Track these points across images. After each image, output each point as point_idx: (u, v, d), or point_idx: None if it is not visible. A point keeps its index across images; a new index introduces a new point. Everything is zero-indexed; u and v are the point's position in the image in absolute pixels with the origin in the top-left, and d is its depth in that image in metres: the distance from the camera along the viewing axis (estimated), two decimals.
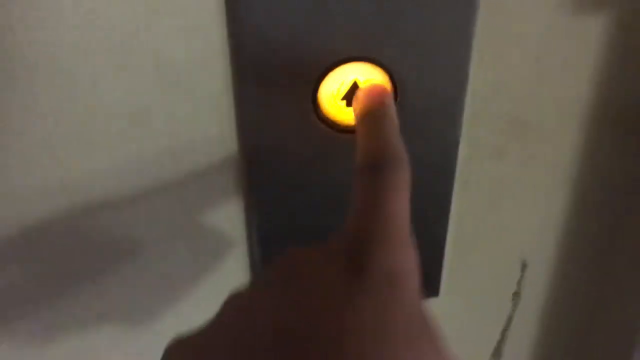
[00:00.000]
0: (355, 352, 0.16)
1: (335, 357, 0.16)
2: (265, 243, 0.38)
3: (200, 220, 0.39)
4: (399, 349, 0.17)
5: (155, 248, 0.39)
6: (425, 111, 0.35)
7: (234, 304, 0.21)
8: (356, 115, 0.29)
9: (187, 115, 0.35)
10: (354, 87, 0.32)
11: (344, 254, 0.20)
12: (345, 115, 0.34)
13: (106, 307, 0.41)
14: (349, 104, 0.33)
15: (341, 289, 0.19)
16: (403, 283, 0.19)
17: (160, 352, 0.22)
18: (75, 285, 0.39)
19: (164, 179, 0.36)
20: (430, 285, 0.42)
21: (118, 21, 0.31)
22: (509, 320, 0.47)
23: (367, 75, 0.33)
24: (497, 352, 0.49)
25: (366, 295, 0.18)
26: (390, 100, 0.29)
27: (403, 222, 0.21)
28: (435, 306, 0.45)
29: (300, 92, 0.33)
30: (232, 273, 0.41)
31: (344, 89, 0.33)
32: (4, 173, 0.34)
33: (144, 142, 0.35)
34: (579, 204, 0.42)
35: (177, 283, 0.40)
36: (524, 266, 0.45)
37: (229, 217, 0.39)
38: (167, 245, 0.39)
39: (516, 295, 0.46)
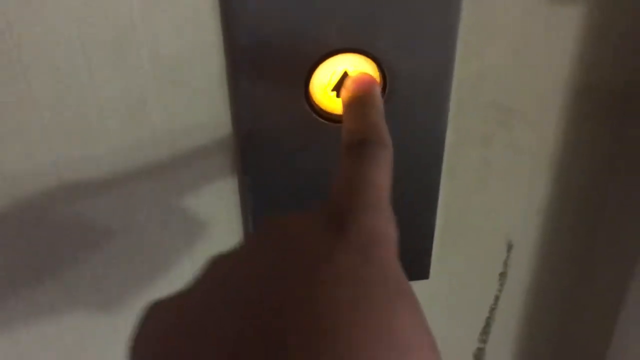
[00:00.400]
0: (330, 305, 0.17)
1: (310, 309, 0.17)
2: None
3: (195, 208, 0.39)
4: (374, 303, 0.17)
5: (150, 236, 0.40)
6: (414, 100, 0.36)
7: (214, 268, 0.21)
8: (344, 102, 0.30)
9: (182, 107, 0.35)
10: (344, 77, 0.33)
11: (326, 217, 0.21)
12: (336, 105, 0.35)
13: (101, 291, 0.41)
14: (339, 95, 0.34)
15: (321, 247, 0.19)
16: (381, 245, 0.20)
17: None
18: (71, 270, 0.40)
19: (160, 171, 0.37)
20: (421, 267, 0.44)
21: (113, 14, 0.32)
22: (496, 299, 0.49)
23: (357, 66, 0.34)
24: (485, 330, 0.51)
25: (345, 253, 0.19)
26: (377, 89, 0.30)
27: (384, 193, 0.22)
28: (425, 288, 0.46)
29: (293, 83, 0.34)
30: None
31: (335, 80, 0.34)
32: (1, 165, 0.35)
33: (140, 134, 0.36)
34: (562, 187, 0.43)
35: (172, 268, 0.41)
36: (509, 247, 0.46)
37: (224, 205, 0.40)
38: (161, 233, 0.40)
39: (502, 275, 0.48)
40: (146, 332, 0.20)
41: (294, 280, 0.18)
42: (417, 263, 0.43)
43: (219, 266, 0.21)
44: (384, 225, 0.21)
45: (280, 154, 0.37)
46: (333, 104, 0.35)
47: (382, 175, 0.23)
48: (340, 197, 0.22)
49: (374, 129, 0.25)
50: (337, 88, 0.34)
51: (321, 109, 0.35)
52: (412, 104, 0.36)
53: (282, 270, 0.19)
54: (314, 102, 0.35)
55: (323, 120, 0.35)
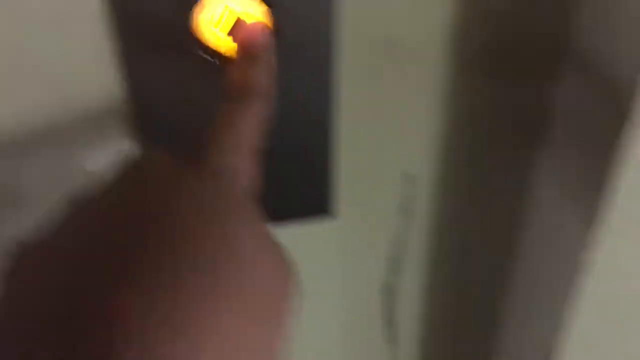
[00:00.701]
0: (175, 228, 0.19)
1: (162, 228, 0.19)
2: None
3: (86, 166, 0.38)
4: (219, 222, 0.20)
5: (39, 199, 0.39)
6: (302, 36, 0.36)
7: (76, 208, 0.22)
8: (236, 52, 0.31)
9: (71, 58, 0.34)
10: (231, 17, 0.33)
11: (187, 154, 0.24)
12: (224, 43, 0.34)
13: None
14: (228, 35, 0.33)
15: (176, 178, 0.22)
16: (232, 179, 0.23)
17: None
18: None
19: (46, 122, 0.36)
20: (325, 205, 0.44)
21: None
22: (402, 234, 0.51)
23: (242, 3, 0.33)
24: (395, 264, 0.53)
25: (196, 183, 0.22)
26: (266, 39, 0.31)
27: (247, 139, 0.25)
28: (331, 227, 0.47)
29: (178, 23, 0.33)
30: None
31: (221, 19, 0.33)
32: None
33: (27, 88, 0.34)
34: (455, 118, 0.45)
35: None
36: (410, 180, 0.47)
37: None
38: (50, 196, 0.38)
39: (406, 210, 0.49)
40: (19, 271, 0.21)
41: (152, 205, 0.20)
42: (321, 202, 0.44)
43: (82, 204, 0.22)
44: (240, 165, 0.24)
45: (172, 98, 0.36)
46: (221, 43, 0.34)
47: (249, 123, 0.26)
48: (204, 137, 0.25)
49: (252, 80, 0.28)
50: (226, 28, 0.33)
51: (209, 49, 0.34)
52: (301, 40, 0.36)
53: (141, 200, 0.21)
54: (201, 41, 0.34)
55: (211, 59, 0.35)
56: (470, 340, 0.61)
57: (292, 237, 0.47)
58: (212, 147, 0.24)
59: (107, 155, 0.38)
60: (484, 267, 0.56)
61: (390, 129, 0.44)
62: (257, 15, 0.34)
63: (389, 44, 0.39)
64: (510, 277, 0.55)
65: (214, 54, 0.35)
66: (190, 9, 0.33)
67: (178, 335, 0.17)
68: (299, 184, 0.42)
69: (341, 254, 0.50)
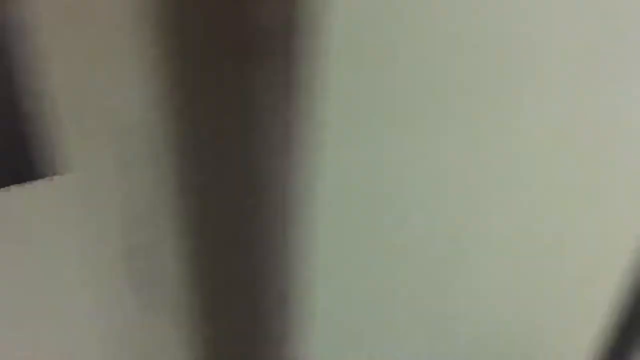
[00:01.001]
0: None
1: None
2: None
3: None
4: None
5: None
6: None
7: None
8: None
9: None
10: None
11: None
12: None
13: None
14: None
15: None
16: None
17: None
18: None
19: None
20: (44, 168, 0.39)
21: None
22: (136, 187, 0.47)
23: None
24: (138, 224, 0.49)
25: None
26: None
27: None
28: (61, 188, 0.41)
29: None
30: None
31: None
32: None
33: None
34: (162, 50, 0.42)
35: None
36: (130, 126, 0.43)
37: None
38: None
39: (134, 159, 0.45)
40: None
41: None
42: (35, 162, 0.39)
43: None
44: None
45: None
46: None
47: None
48: None
49: None
50: None
51: None
52: None
53: None
54: None
55: None
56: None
57: (20, 201, 0.40)
58: None
59: None
60: (228, 201, 0.55)
61: (97, 75, 0.39)
62: None
63: None
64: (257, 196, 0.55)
65: None
66: None
67: None
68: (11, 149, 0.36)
69: (76, 218, 0.45)
